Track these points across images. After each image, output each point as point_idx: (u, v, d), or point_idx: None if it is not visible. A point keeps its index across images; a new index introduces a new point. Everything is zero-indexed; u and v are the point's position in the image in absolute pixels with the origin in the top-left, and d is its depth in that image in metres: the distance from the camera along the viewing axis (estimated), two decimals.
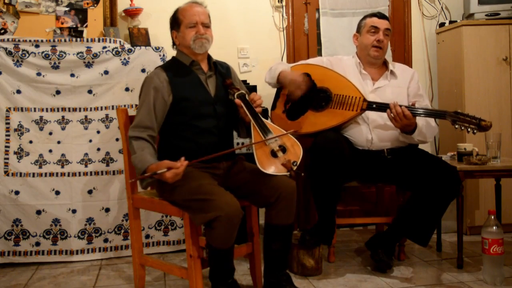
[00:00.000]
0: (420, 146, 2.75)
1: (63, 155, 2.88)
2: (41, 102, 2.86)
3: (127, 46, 2.93)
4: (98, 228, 2.91)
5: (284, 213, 2.14)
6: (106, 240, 2.92)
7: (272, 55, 3.44)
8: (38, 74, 2.84)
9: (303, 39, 3.49)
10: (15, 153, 2.84)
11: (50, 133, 2.87)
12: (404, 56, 3.58)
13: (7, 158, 2.82)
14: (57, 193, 2.86)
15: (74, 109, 2.89)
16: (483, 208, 3.24)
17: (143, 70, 2.92)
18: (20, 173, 2.83)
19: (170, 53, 2.62)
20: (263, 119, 2.22)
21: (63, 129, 2.89)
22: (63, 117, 2.89)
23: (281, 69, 2.69)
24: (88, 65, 2.88)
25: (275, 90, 2.87)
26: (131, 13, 3.14)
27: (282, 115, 2.76)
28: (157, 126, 2.23)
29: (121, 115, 2.35)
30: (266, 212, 2.18)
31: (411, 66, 3.46)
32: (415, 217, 2.48)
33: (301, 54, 3.46)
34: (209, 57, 2.37)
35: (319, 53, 3.46)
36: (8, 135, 2.84)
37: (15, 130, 2.84)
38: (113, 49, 2.89)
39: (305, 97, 2.68)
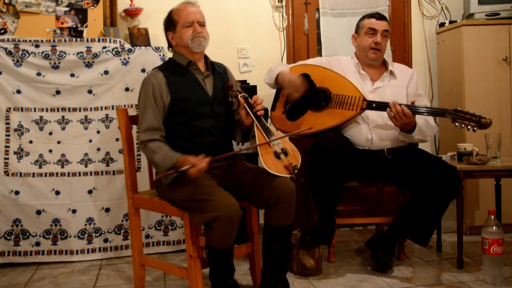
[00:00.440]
0: (420, 146, 2.75)
1: (63, 155, 2.88)
2: (41, 102, 2.86)
3: (127, 46, 2.93)
4: (98, 228, 2.91)
5: (284, 214, 2.14)
6: (106, 240, 2.92)
7: (272, 55, 3.44)
8: (38, 74, 2.84)
9: (303, 39, 3.49)
10: (15, 153, 2.84)
11: (50, 133, 2.87)
12: (404, 56, 3.58)
13: (7, 158, 2.83)
14: (57, 193, 2.86)
15: (74, 109, 2.89)
16: (483, 208, 3.23)
17: (143, 70, 2.92)
18: (20, 173, 2.83)
19: (170, 53, 2.63)
20: (265, 122, 2.24)
21: (63, 129, 2.89)
22: (63, 117, 2.89)
23: (279, 70, 2.69)
24: (88, 65, 2.88)
25: (274, 90, 2.87)
26: (131, 13, 3.14)
27: (282, 115, 2.76)
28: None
29: (121, 115, 2.35)
30: (265, 213, 2.18)
31: (411, 66, 3.46)
32: (415, 217, 2.48)
33: (301, 54, 3.46)
34: (205, 57, 2.37)
35: (319, 53, 3.46)
36: (8, 135, 2.84)
37: (15, 130, 2.84)
38: (113, 49, 2.89)
39: (305, 97, 2.67)
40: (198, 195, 2.02)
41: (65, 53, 2.85)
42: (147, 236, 2.95)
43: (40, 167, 2.85)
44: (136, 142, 2.81)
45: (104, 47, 2.88)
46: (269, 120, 2.85)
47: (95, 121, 2.91)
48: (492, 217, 2.40)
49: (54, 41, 2.86)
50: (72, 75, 2.87)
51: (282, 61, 3.44)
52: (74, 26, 2.99)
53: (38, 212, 2.83)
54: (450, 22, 3.48)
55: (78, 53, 2.86)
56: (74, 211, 2.87)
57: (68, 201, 2.87)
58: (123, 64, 2.91)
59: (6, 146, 2.83)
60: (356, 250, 2.99)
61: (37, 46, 2.83)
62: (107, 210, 2.92)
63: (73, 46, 2.87)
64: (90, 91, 2.90)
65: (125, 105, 2.91)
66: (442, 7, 3.63)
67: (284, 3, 3.43)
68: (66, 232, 2.86)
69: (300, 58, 3.32)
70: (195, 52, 2.28)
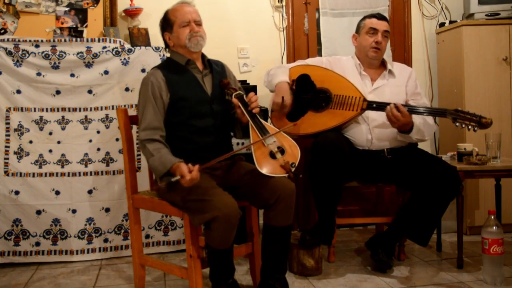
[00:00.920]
0: (420, 146, 2.76)
1: (63, 155, 2.88)
2: (41, 102, 2.86)
3: (127, 46, 2.93)
4: (98, 228, 2.91)
5: (283, 214, 2.14)
6: (106, 240, 2.92)
7: (272, 55, 3.44)
8: (38, 74, 2.84)
9: (303, 39, 3.50)
10: (15, 153, 2.84)
11: (50, 133, 2.87)
12: (404, 56, 3.58)
13: (7, 158, 2.83)
14: (57, 193, 2.86)
15: (74, 109, 2.89)
16: (483, 208, 3.24)
17: (143, 70, 2.92)
18: (20, 173, 2.83)
19: (168, 53, 2.62)
20: (261, 120, 2.22)
21: (63, 129, 2.89)
22: (63, 117, 2.89)
23: (276, 82, 2.66)
24: (88, 65, 2.88)
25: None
26: (131, 13, 3.14)
27: (282, 116, 2.76)
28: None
29: (121, 115, 2.35)
30: (264, 213, 2.18)
31: (411, 66, 3.46)
32: (415, 217, 2.48)
33: (301, 54, 3.46)
34: (203, 56, 2.36)
35: (319, 53, 3.46)
36: (8, 135, 2.84)
37: (15, 130, 2.84)
38: (113, 49, 2.89)
39: (304, 98, 2.68)
40: (197, 196, 2.02)
41: (65, 53, 2.85)
42: (147, 236, 2.95)
43: (40, 167, 2.85)
44: (136, 142, 2.81)
45: (104, 47, 2.88)
46: (269, 120, 2.85)
47: (95, 121, 2.91)
48: (492, 217, 2.40)
49: (54, 41, 2.86)
50: (72, 75, 2.87)
51: (282, 61, 3.44)
52: (74, 26, 2.98)
53: (38, 212, 2.84)
54: (450, 22, 3.48)
55: (78, 53, 2.86)
56: (74, 211, 2.87)
57: (68, 201, 2.87)
58: (123, 64, 2.91)
59: (6, 146, 2.83)
60: (356, 250, 2.99)
61: (37, 46, 2.83)
62: (107, 210, 2.92)
63: (73, 46, 2.86)
64: (90, 91, 2.90)
65: (125, 105, 2.91)
66: (442, 7, 3.63)
67: (284, 3, 3.43)
68: (66, 232, 2.86)
69: (300, 58, 3.31)
70: (193, 51, 2.27)
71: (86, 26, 3.00)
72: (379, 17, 2.72)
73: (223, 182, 2.20)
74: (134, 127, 2.44)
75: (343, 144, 2.50)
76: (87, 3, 3.01)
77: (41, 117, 2.87)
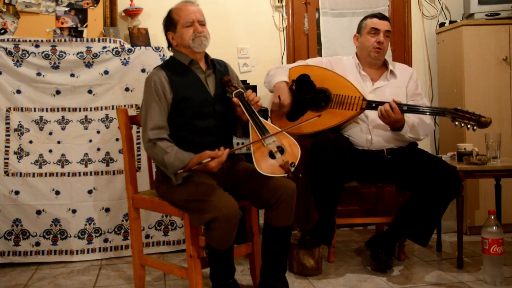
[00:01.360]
0: (420, 146, 2.76)
1: (63, 155, 2.88)
2: (41, 102, 2.86)
3: (127, 46, 2.93)
4: (98, 228, 2.91)
5: (284, 215, 2.13)
6: (106, 240, 2.92)
7: (272, 55, 3.44)
8: (38, 74, 2.84)
9: (303, 39, 3.50)
10: (15, 153, 2.84)
11: (50, 133, 2.87)
12: (404, 56, 3.58)
13: (7, 158, 2.83)
14: (57, 193, 2.86)
15: (74, 109, 2.89)
16: (483, 208, 3.23)
17: (143, 70, 2.92)
18: (20, 173, 2.83)
19: (170, 53, 2.62)
20: (261, 118, 2.21)
21: (63, 129, 2.89)
22: (63, 117, 2.89)
23: (276, 82, 2.67)
24: (88, 65, 2.88)
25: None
26: (131, 13, 3.14)
27: (282, 116, 2.76)
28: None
29: (121, 115, 2.35)
30: (265, 213, 2.18)
31: (411, 66, 3.46)
32: (415, 217, 2.48)
33: (301, 54, 3.46)
34: (206, 55, 2.35)
35: (319, 53, 3.46)
36: (8, 135, 2.84)
37: (15, 130, 2.84)
38: (113, 49, 2.89)
39: (304, 98, 2.68)
40: (197, 196, 2.02)
41: (65, 53, 2.85)
42: (147, 236, 2.95)
43: (40, 167, 2.85)
44: (136, 142, 2.81)
45: (104, 47, 2.88)
46: (269, 120, 2.85)
47: (95, 121, 2.91)
48: (492, 217, 2.40)
49: (54, 41, 2.86)
50: (72, 75, 2.87)
51: (282, 61, 3.44)
52: (74, 26, 2.98)
53: (38, 212, 2.84)
54: (450, 22, 3.48)
55: (78, 53, 2.86)
56: (74, 211, 2.87)
57: (68, 201, 2.87)
58: (123, 64, 2.91)
59: (6, 146, 2.83)
60: (356, 250, 2.99)
61: (37, 46, 2.83)
62: (107, 210, 2.92)
63: (73, 46, 2.86)
64: (90, 91, 2.90)
65: (125, 105, 2.91)
66: (442, 7, 3.63)
67: (284, 3, 3.43)
68: (66, 232, 2.86)
69: (300, 58, 3.31)
70: (196, 52, 2.27)
71: (86, 26, 3.00)
72: (381, 17, 2.72)
73: (223, 182, 2.20)
74: (134, 127, 2.44)
75: (342, 144, 2.50)
76: (87, 3, 3.01)
77: (41, 117, 2.87)
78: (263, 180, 2.11)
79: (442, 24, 3.52)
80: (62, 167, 2.87)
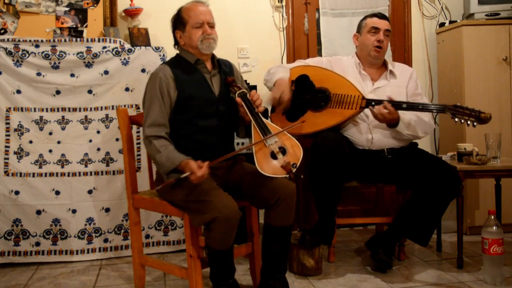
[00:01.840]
0: (420, 146, 2.76)
1: (63, 155, 2.88)
2: (41, 102, 2.86)
3: (127, 46, 2.93)
4: (98, 228, 2.91)
5: (284, 215, 2.13)
6: (106, 240, 2.92)
7: (272, 55, 3.44)
8: (38, 74, 2.84)
9: (303, 39, 3.50)
10: (15, 153, 2.84)
11: (50, 133, 2.87)
12: (404, 56, 3.58)
13: (7, 158, 2.83)
14: (57, 193, 2.86)
15: (74, 109, 2.89)
16: (483, 208, 3.23)
17: (143, 70, 2.92)
18: (20, 173, 2.83)
19: (170, 53, 2.62)
20: (264, 119, 2.21)
21: (63, 129, 2.89)
22: (63, 117, 2.89)
23: (278, 78, 2.68)
24: (88, 65, 2.88)
25: None
26: (131, 13, 3.14)
27: (282, 116, 2.76)
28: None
29: (121, 115, 2.35)
30: (265, 213, 2.18)
31: (411, 66, 3.46)
32: (415, 217, 2.48)
33: (301, 54, 3.46)
34: (212, 56, 2.35)
35: (319, 53, 3.46)
36: (8, 135, 2.84)
37: (15, 130, 2.84)
38: (113, 49, 2.89)
39: (304, 98, 2.68)
40: (197, 196, 2.02)
41: (65, 53, 2.85)
42: (147, 236, 2.95)
43: (40, 167, 2.85)
44: (136, 142, 2.81)
45: (104, 47, 2.88)
46: (269, 119, 2.85)
47: (95, 121, 2.91)
48: (492, 217, 2.40)
49: (54, 41, 2.86)
50: (72, 75, 2.87)
51: (282, 61, 3.44)
52: (74, 26, 2.98)
53: (38, 212, 2.83)
54: (450, 22, 3.48)
55: (78, 53, 2.86)
56: (74, 211, 2.87)
57: (68, 201, 2.87)
58: (123, 64, 2.91)
59: (6, 146, 2.83)
60: (356, 250, 2.99)
61: (37, 46, 2.83)
62: (107, 210, 2.92)
63: (73, 46, 2.86)
64: (90, 91, 2.90)
65: (125, 105, 2.91)
66: (442, 7, 3.63)
67: (284, 3, 3.43)
68: (66, 232, 2.86)
69: (300, 58, 3.30)
70: (203, 53, 2.26)
71: (86, 26, 3.00)
72: (380, 16, 2.73)
73: (223, 182, 2.20)
74: (134, 127, 2.44)
75: (342, 144, 2.50)
76: (87, 3, 3.01)
77: (41, 117, 2.87)
78: (263, 180, 2.11)
79: (442, 24, 3.52)
80: (62, 167, 2.87)
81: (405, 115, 2.54)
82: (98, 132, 2.91)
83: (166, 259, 2.86)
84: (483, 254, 2.42)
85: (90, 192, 2.89)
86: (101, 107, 2.91)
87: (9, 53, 2.80)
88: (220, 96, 2.27)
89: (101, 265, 2.82)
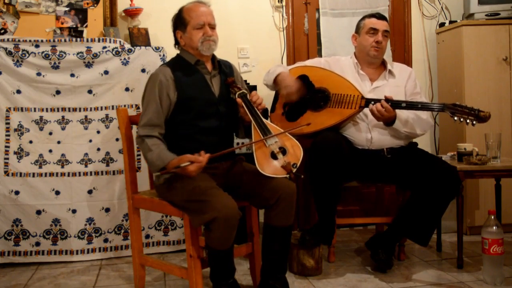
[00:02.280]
0: (420, 146, 2.76)
1: (63, 155, 2.88)
2: (41, 102, 2.86)
3: (127, 46, 2.93)
4: (98, 228, 2.91)
5: (284, 215, 2.14)
6: (106, 240, 2.92)
7: (272, 55, 3.44)
8: (38, 74, 2.84)
9: (303, 39, 3.50)
10: (15, 153, 2.84)
11: (50, 133, 2.87)
12: (404, 56, 3.58)
13: (7, 158, 2.83)
14: (57, 193, 2.86)
15: (74, 109, 2.89)
16: (483, 208, 3.23)
17: (143, 70, 2.92)
18: (20, 173, 2.83)
19: (170, 53, 2.62)
20: (264, 119, 2.21)
21: (63, 129, 2.89)
22: (63, 117, 2.89)
23: (278, 72, 2.68)
24: (88, 65, 2.88)
25: (274, 90, 2.87)
26: (131, 13, 3.14)
27: (282, 116, 2.76)
28: (164, 124, 2.22)
29: (121, 115, 2.35)
30: (265, 213, 2.18)
31: (411, 66, 3.46)
32: (415, 217, 2.48)
33: (301, 54, 3.46)
34: (213, 56, 2.35)
35: (319, 53, 3.46)
36: (8, 135, 2.84)
37: (15, 130, 2.84)
38: (113, 49, 2.89)
39: (304, 98, 2.68)
40: (197, 196, 2.02)
41: (65, 53, 2.85)
42: (147, 236, 2.95)
43: (40, 167, 2.85)
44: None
45: (104, 47, 2.88)
46: (269, 119, 2.85)
47: (95, 121, 2.91)
48: (492, 217, 2.40)
49: (54, 41, 2.86)
50: (72, 75, 2.87)
51: (282, 61, 3.44)
52: (74, 26, 2.98)
53: (38, 212, 2.84)
54: (450, 22, 3.48)
55: (78, 53, 2.86)
56: (74, 211, 2.87)
57: (68, 201, 2.87)
58: (123, 64, 2.91)
59: (6, 146, 2.83)
60: (356, 250, 2.99)
61: (37, 46, 2.83)
62: (107, 210, 2.92)
63: (73, 46, 2.86)
64: (90, 91, 2.90)
65: (125, 105, 2.91)
66: (442, 7, 3.63)
67: (284, 3, 3.43)
68: (66, 232, 2.86)
69: (300, 58, 3.32)
70: (204, 54, 2.27)
71: (86, 26, 3.00)
72: (379, 16, 2.73)
73: (223, 182, 2.20)
74: (134, 127, 2.44)
75: (342, 143, 2.50)
76: (87, 3, 3.01)
77: (41, 117, 2.87)
78: (263, 180, 2.11)
79: (442, 24, 3.52)
80: (62, 167, 2.87)
81: (403, 113, 2.54)
82: (98, 132, 2.91)
83: (166, 259, 2.86)
84: (483, 254, 2.42)
85: (90, 192, 2.89)
86: (101, 107, 2.92)
87: (9, 53, 2.80)
88: (220, 97, 2.28)
89: (101, 265, 2.82)
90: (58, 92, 2.87)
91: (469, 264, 2.70)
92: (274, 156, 2.12)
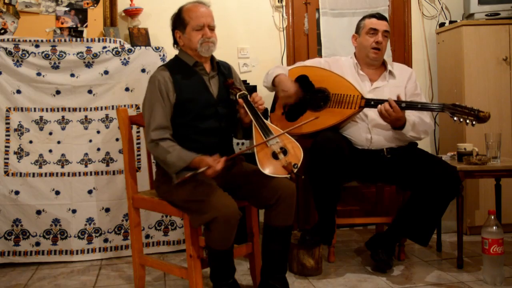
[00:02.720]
0: (420, 146, 2.76)
1: (63, 155, 2.88)
2: (41, 102, 2.86)
3: (127, 46, 2.93)
4: (98, 228, 2.91)
5: (284, 215, 2.14)
6: (106, 240, 2.92)
7: (272, 55, 3.44)
8: (38, 74, 2.84)
9: (303, 39, 3.50)
10: (15, 153, 2.84)
11: (50, 133, 2.87)
12: (404, 56, 3.58)
13: (7, 158, 2.83)
14: (57, 193, 2.86)
15: (74, 109, 2.89)
16: (483, 208, 3.23)
17: (143, 70, 2.92)
18: (20, 173, 2.83)
19: (170, 53, 2.62)
20: (265, 120, 2.22)
21: (63, 129, 2.89)
22: (63, 117, 2.89)
23: (276, 74, 2.68)
24: (88, 65, 2.88)
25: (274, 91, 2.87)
26: (131, 13, 3.14)
27: (281, 116, 2.77)
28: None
29: (121, 115, 2.35)
30: (265, 213, 2.18)
31: (411, 66, 3.46)
32: (415, 217, 2.48)
33: (301, 54, 3.46)
34: (212, 57, 2.34)
35: (319, 53, 3.46)
36: (8, 135, 2.84)
37: (15, 130, 2.84)
38: (113, 49, 2.89)
39: (304, 98, 2.68)
40: (197, 196, 2.02)
41: (65, 53, 2.85)
42: (147, 236, 2.95)
43: (40, 167, 2.85)
44: (136, 142, 2.82)
45: (104, 47, 2.88)
46: (268, 119, 2.85)
47: (95, 121, 2.91)
48: (492, 217, 2.40)
49: (54, 41, 2.86)
50: (72, 75, 2.87)
51: (282, 61, 3.44)
52: (74, 26, 2.98)
53: (38, 212, 2.84)
54: (450, 22, 3.48)
55: (78, 53, 2.86)
56: (74, 211, 2.87)
57: (68, 201, 2.87)
58: (123, 64, 2.91)
59: (6, 146, 2.83)
60: (356, 250, 2.99)
61: (37, 46, 2.83)
62: (107, 210, 2.92)
63: (73, 46, 2.86)
64: (90, 91, 2.90)
65: (125, 105, 2.91)
66: (442, 7, 3.63)
67: (284, 3, 3.43)
68: (66, 232, 2.86)
69: (300, 58, 3.32)
70: (202, 56, 2.26)
71: (86, 26, 3.00)
72: (379, 17, 2.73)
73: (223, 182, 2.19)
74: (134, 127, 2.45)
75: (342, 143, 2.50)
76: (87, 3, 3.01)
77: (41, 117, 2.87)
78: (263, 180, 2.11)
79: (442, 24, 3.52)
80: (62, 167, 2.87)
81: (410, 116, 2.53)
82: (98, 132, 2.91)
83: (166, 259, 2.86)
84: (483, 254, 2.42)
85: (90, 192, 2.89)
86: (101, 107, 2.92)
87: (9, 53, 2.80)
88: (219, 98, 2.28)
89: (101, 265, 2.82)
90: (58, 92, 2.87)
91: (469, 264, 2.70)
92: (275, 156, 2.12)
